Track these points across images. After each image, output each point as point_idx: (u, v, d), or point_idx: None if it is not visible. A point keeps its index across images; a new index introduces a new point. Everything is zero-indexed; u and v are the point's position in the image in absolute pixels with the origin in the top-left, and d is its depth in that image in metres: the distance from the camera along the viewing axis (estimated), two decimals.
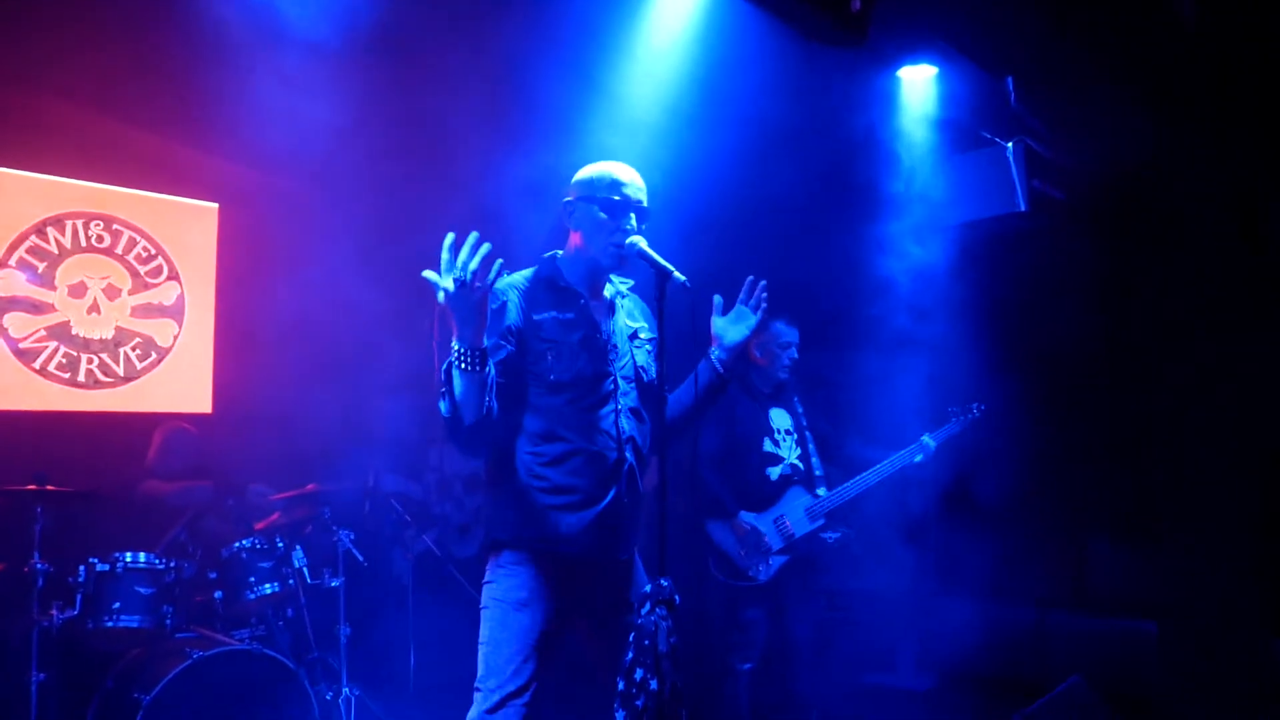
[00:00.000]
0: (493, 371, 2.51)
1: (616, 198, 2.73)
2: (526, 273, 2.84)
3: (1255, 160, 4.78)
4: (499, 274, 2.42)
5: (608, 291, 2.88)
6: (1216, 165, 4.84)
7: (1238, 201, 4.82)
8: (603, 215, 2.73)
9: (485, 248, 2.38)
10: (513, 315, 2.70)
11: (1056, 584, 5.86)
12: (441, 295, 2.39)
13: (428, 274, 2.41)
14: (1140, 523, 5.30)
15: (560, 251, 2.86)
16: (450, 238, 2.39)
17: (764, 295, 2.91)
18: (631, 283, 2.99)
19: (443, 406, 2.48)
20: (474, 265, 2.37)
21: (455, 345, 2.43)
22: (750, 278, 2.91)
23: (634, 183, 2.78)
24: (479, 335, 2.43)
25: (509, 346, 2.65)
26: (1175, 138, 4.77)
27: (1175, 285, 4.96)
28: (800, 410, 4.60)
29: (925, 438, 4.52)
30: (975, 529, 5.67)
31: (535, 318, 2.72)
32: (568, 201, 2.82)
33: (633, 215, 2.74)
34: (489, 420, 2.50)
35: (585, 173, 2.82)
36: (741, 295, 2.92)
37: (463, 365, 2.43)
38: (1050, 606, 5.58)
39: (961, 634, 5.60)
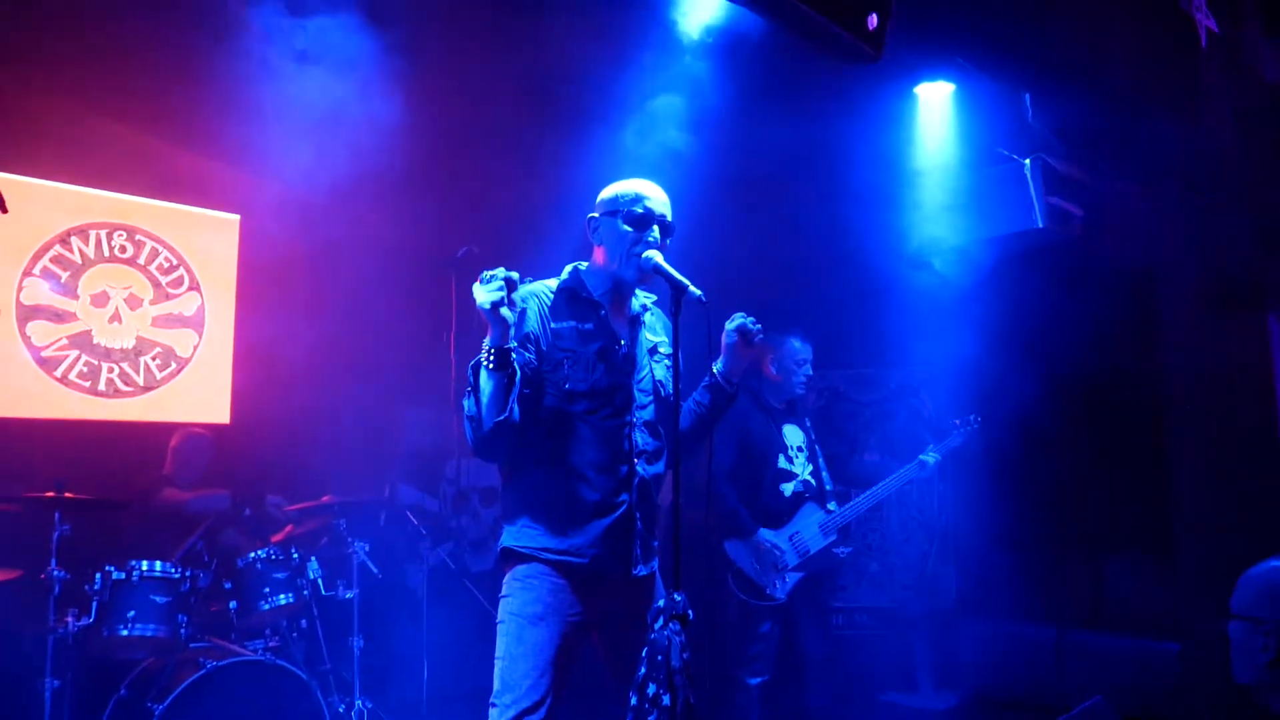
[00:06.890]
0: (518, 374, 2.56)
1: (640, 210, 2.75)
2: (550, 282, 2.85)
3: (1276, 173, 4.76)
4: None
5: (634, 305, 2.89)
6: (1236, 180, 4.81)
7: (1256, 214, 4.79)
8: (626, 227, 2.74)
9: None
10: (532, 323, 2.72)
11: (1076, 603, 5.81)
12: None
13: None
14: (1160, 541, 5.25)
15: (584, 264, 2.88)
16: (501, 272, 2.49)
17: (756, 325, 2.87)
18: (654, 297, 2.99)
19: (467, 404, 2.57)
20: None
21: (485, 344, 2.52)
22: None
23: (657, 197, 2.80)
24: (505, 337, 2.51)
25: (526, 353, 2.68)
26: (1194, 154, 4.74)
27: (1196, 300, 4.92)
28: (809, 426, 4.61)
29: (929, 450, 4.63)
30: (994, 548, 5.63)
31: (554, 326, 2.74)
32: (592, 218, 2.83)
33: (656, 227, 2.75)
34: (509, 423, 2.55)
35: (610, 190, 2.83)
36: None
37: (489, 364, 2.51)
38: (1070, 626, 5.52)
39: (981, 653, 5.56)
